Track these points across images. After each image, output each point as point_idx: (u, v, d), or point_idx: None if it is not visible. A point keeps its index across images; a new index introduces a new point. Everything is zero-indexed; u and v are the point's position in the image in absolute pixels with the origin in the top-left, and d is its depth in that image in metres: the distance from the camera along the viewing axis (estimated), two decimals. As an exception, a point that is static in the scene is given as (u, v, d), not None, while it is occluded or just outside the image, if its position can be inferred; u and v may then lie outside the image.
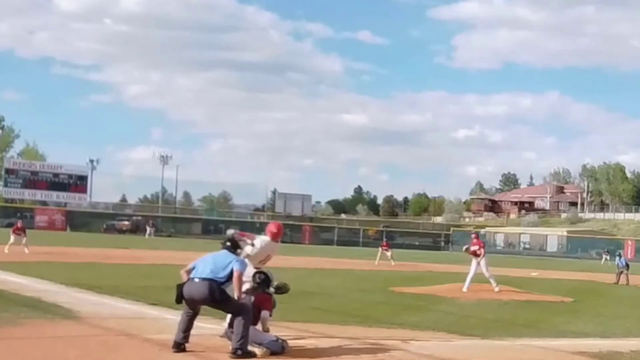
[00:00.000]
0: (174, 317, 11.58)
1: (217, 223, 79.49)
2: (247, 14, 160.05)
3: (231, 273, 8.62)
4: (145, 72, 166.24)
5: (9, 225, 64.12)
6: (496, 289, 20.19)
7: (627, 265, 30.82)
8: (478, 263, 20.59)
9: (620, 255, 32.95)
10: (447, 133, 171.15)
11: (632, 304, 20.54)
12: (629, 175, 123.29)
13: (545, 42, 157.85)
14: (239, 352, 8.47)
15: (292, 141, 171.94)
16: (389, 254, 36.46)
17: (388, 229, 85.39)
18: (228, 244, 9.09)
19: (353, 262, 35.36)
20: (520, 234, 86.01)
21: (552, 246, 78.28)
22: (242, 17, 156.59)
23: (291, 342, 9.67)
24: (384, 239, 46.02)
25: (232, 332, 8.75)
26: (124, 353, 8.65)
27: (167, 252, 35.11)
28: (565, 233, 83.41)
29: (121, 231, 68.01)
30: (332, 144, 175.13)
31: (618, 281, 29.68)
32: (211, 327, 10.67)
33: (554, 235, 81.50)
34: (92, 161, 78.42)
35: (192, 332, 9.15)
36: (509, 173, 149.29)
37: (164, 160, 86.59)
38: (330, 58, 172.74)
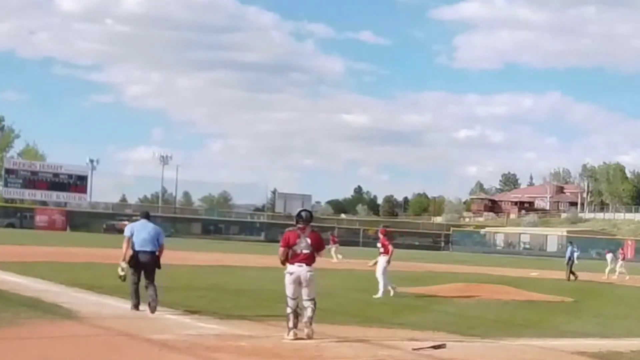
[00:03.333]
0: (174, 317, 11.65)
1: (217, 223, 79.55)
2: (249, 14, 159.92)
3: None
4: (146, 73, 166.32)
5: (9, 225, 64.63)
6: (378, 294, 17.48)
7: (572, 259, 30.44)
8: (387, 261, 18.35)
9: (570, 247, 32.19)
10: (447, 133, 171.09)
11: (632, 304, 20.54)
12: (629, 175, 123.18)
13: (547, 42, 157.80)
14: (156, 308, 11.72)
15: (293, 141, 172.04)
16: (333, 249, 36.62)
17: (388, 229, 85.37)
18: (148, 216, 12.77)
19: (353, 262, 35.33)
20: (520, 234, 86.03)
21: (552, 246, 78.25)
22: (243, 18, 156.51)
23: (291, 342, 9.68)
24: (333, 233, 46.39)
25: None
26: (124, 353, 8.65)
27: (167, 252, 35.05)
28: (565, 233, 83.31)
29: (121, 231, 67.85)
30: (333, 144, 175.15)
31: (575, 277, 29.41)
32: (211, 327, 10.70)
33: (554, 235, 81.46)
34: (92, 161, 78.37)
35: (192, 332, 9.67)
36: (509, 173, 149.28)
37: (164, 160, 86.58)
38: (331, 58, 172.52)
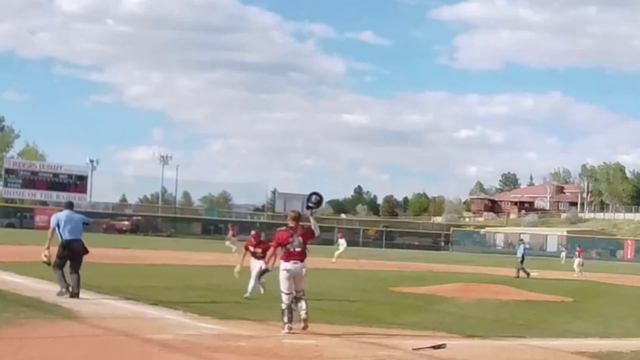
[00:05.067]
0: (174, 317, 11.64)
1: (217, 223, 79.46)
2: (250, 14, 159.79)
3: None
4: (147, 73, 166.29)
5: (9, 225, 64.59)
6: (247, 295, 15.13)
7: (523, 257, 30.56)
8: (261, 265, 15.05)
9: (521, 245, 32.37)
10: (448, 133, 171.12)
11: (632, 304, 20.53)
12: (628, 175, 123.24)
13: (547, 42, 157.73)
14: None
15: (293, 141, 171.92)
16: (228, 242, 37.82)
17: (388, 229, 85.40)
18: (71, 206, 13.87)
19: (353, 262, 35.36)
20: (520, 234, 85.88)
21: (552, 246, 78.21)
22: (244, 18, 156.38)
23: (291, 342, 9.69)
24: (233, 226, 46.20)
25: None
26: (124, 353, 8.66)
27: (167, 252, 35.13)
28: (565, 233, 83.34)
29: (121, 231, 68.00)
30: (333, 144, 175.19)
31: (527, 274, 29.34)
32: (211, 327, 10.70)
33: (554, 235, 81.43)
34: (92, 161, 78.32)
35: (192, 332, 9.67)
36: (508, 173, 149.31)
37: (164, 160, 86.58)
38: (332, 59, 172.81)
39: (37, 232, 58.99)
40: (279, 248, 10.95)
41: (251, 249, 15.93)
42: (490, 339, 11.29)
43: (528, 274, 29.47)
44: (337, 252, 35.43)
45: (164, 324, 10.80)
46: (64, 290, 12.98)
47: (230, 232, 41.31)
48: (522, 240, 35.76)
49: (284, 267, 10.65)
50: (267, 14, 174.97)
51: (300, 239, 10.75)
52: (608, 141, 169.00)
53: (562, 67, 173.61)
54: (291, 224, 10.90)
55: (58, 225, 13.24)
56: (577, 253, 37.60)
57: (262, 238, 16.29)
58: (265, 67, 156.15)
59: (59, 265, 13.18)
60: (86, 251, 13.49)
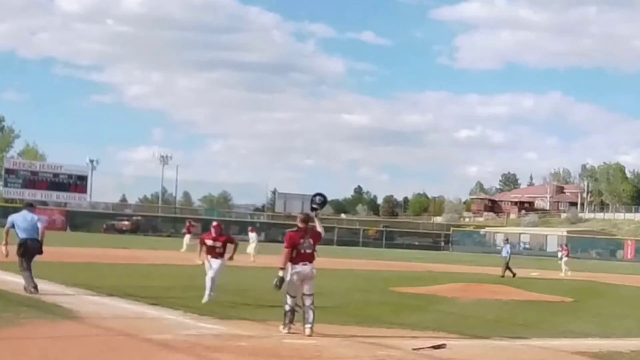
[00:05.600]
0: (174, 317, 11.64)
1: (217, 223, 79.33)
2: (250, 14, 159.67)
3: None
4: (147, 73, 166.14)
5: (9, 225, 64.61)
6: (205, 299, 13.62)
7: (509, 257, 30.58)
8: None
9: (506, 245, 32.26)
10: (448, 133, 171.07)
11: (632, 304, 20.54)
12: (628, 175, 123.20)
13: (548, 42, 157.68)
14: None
15: (293, 141, 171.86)
16: (187, 237, 36.98)
17: (388, 229, 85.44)
18: (30, 206, 14.43)
19: (353, 262, 35.37)
20: (520, 234, 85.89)
21: (552, 246, 78.15)
22: (244, 18, 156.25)
23: (291, 342, 9.69)
24: (187, 222, 44.16)
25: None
26: (124, 353, 8.66)
27: (167, 252, 35.11)
28: (565, 233, 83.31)
29: (121, 231, 67.99)
30: (333, 144, 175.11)
31: (508, 274, 29.21)
32: (211, 327, 10.70)
33: (554, 235, 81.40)
34: (92, 161, 78.28)
35: (193, 332, 9.73)
36: (508, 173, 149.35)
37: (164, 160, 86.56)
38: (332, 58, 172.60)
39: (37, 232, 59.06)
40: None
41: (209, 242, 14.02)
42: (490, 339, 11.29)
43: (502, 275, 29.04)
44: (249, 248, 33.97)
45: (164, 324, 10.80)
46: (32, 289, 13.33)
47: (186, 228, 39.74)
48: (507, 240, 35.65)
49: (294, 269, 10.51)
50: (267, 14, 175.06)
51: (311, 240, 10.67)
52: (608, 141, 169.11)
53: (562, 67, 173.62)
54: (301, 225, 10.76)
55: (13, 226, 13.75)
56: (564, 252, 37.70)
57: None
58: (265, 67, 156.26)
59: (23, 266, 13.61)
60: (40, 251, 13.84)
